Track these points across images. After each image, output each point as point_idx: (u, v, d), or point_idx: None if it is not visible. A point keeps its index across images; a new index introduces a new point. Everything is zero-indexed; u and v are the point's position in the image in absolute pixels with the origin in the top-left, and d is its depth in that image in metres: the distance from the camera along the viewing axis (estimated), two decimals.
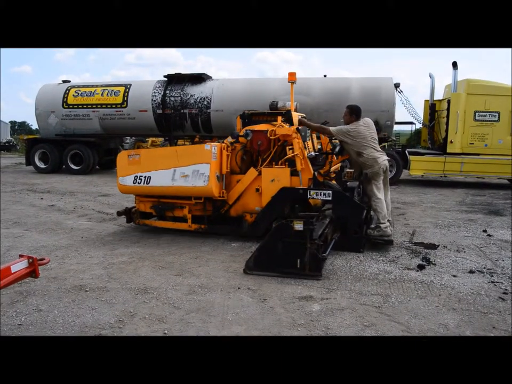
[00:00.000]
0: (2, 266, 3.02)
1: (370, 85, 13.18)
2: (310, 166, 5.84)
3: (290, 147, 5.81)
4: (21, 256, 3.23)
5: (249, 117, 6.41)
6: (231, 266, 4.77)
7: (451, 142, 12.30)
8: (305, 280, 4.34)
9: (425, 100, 13.97)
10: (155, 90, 14.47)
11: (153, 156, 6.24)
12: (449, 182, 13.50)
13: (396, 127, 15.69)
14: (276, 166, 5.87)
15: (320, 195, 5.27)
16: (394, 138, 17.09)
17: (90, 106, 14.99)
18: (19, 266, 3.12)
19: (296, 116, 6.33)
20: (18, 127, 72.40)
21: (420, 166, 12.71)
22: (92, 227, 6.82)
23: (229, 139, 6.07)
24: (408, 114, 13.54)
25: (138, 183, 6.04)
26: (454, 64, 12.13)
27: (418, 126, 15.30)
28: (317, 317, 3.52)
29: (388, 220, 5.64)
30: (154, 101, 14.37)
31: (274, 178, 5.75)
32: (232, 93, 13.80)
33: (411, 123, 15.96)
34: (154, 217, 6.48)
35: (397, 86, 13.03)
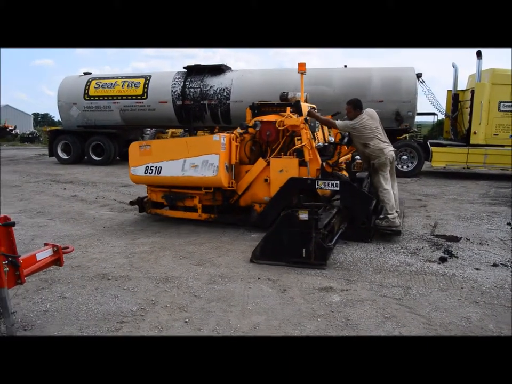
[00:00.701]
0: (28, 254, 3.10)
1: (391, 75, 12.99)
2: (318, 156, 5.86)
3: (298, 137, 5.82)
4: (46, 244, 3.31)
5: (259, 108, 6.46)
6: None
7: (474, 133, 12.02)
8: (325, 271, 4.33)
9: (447, 90, 13.67)
10: (175, 82, 14.53)
11: (164, 147, 6.35)
12: (472, 174, 13.24)
13: (418, 118, 15.43)
14: (284, 157, 5.91)
15: (328, 185, 5.29)
16: (415, 130, 16.80)
17: (111, 98, 15.14)
18: (44, 254, 3.20)
19: (305, 107, 6.32)
20: (41, 119, 73.64)
21: (442, 157, 12.48)
22: (113, 217, 6.92)
23: (238, 130, 6.12)
24: (431, 105, 13.30)
25: (150, 173, 6.12)
26: (478, 54, 11.83)
27: (441, 117, 14.96)
28: (337, 308, 3.52)
29: (396, 211, 5.63)
30: (174, 92, 14.43)
31: (282, 169, 5.77)
32: (252, 84, 13.76)
33: (433, 114, 15.65)
34: (165, 207, 6.57)
35: (418, 76, 12.80)
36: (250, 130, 6.07)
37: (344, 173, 6.50)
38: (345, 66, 14.08)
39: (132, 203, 6.70)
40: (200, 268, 4.48)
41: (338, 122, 5.88)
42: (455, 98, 13.01)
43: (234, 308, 3.52)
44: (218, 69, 14.43)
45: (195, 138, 7.64)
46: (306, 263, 4.42)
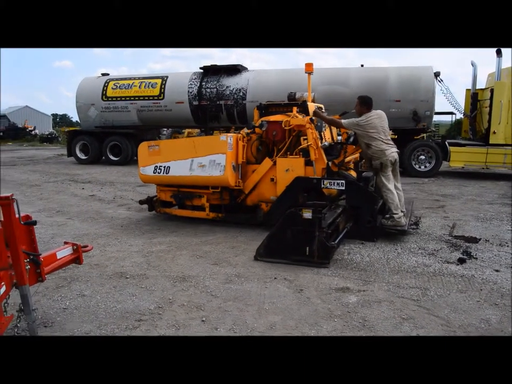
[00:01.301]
0: (49, 253, 3.15)
1: (408, 74, 12.87)
2: (324, 155, 5.87)
3: (304, 137, 5.84)
4: (65, 243, 3.36)
5: (266, 108, 6.50)
6: None
7: (494, 132, 11.83)
8: (341, 272, 4.32)
9: (466, 89, 13.48)
10: (191, 82, 14.62)
11: (172, 147, 6.45)
12: (492, 174, 13.03)
13: (436, 118, 15.28)
14: (290, 156, 5.94)
15: (334, 184, 5.30)
16: (433, 129, 16.64)
17: (128, 98, 15.29)
18: (64, 252, 3.25)
19: (312, 107, 6.34)
20: (60, 120, 74.84)
21: (460, 157, 12.30)
22: (131, 216, 6.99)
23: (245, 130, 6.17)
24: (449, 104, 13.13)
25: (158, 172, 6.22)
26: (498, 52, 11.64)
27: (459, 116, 14.77)
28: (353, 308, 3.50)
29: (402, 211, 5.62)
30: (191, 92, 14.51)
31: (288, 168, 5.81)
32: (268, 84, 13.76)
33: (451, 113, 15.46)
34: (174, 206, 6.64)
35: (437, 75, 12.64)
36: (257, 130, 6.12)
37: (352, 172, 6.50)
38: (362, 65, 13.99)
39: (141, 202, 6.82)
40: (217, 267, 4.50)
41: (343, 121, 5.89)
42: (473, 97, 12.81)
43: (250, 307, 3.53)
44: (235, 69, 14.48)
45: (202, 138, 7.79)
46: (310, 262, 4.45)
